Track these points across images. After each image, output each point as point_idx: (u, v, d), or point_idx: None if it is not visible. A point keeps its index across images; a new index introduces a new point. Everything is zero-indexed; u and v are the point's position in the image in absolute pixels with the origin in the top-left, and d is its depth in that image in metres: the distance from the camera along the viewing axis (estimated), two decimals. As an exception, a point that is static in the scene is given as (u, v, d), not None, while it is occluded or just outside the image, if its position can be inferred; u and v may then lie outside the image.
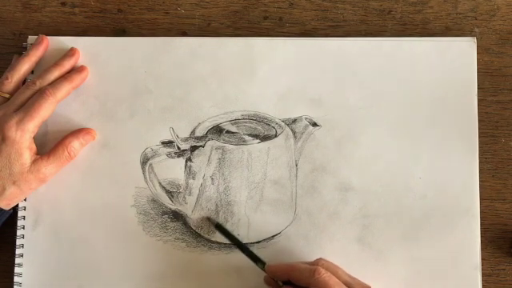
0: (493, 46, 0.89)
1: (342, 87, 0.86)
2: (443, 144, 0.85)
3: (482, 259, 0.84)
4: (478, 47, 0.87)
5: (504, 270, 0.86)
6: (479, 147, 0.85)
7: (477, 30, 0.89)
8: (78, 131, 0.85)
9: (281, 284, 0.79)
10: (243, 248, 0.83)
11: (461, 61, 0.86)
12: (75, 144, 0.84)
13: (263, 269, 0.81)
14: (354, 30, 0.89)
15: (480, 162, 0.85)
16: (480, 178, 0.85)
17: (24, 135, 0.80)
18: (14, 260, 0.84)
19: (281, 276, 0.79)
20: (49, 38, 0.87)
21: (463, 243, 0.84)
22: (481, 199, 0.84)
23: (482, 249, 0.84)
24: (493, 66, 0.88)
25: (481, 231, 0.84)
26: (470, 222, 0.84)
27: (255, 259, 0.82)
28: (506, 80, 0.88)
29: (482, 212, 0.84)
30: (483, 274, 0.84)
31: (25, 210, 0.85)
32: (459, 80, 0.86)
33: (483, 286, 0.83)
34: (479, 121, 0.86)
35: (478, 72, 0.86)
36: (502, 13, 0.89)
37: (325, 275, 0.75)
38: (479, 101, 0.86)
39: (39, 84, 0.83)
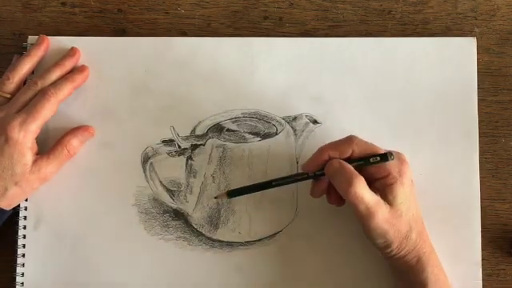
0: (493, 46, 0.89)
1: (341, 85, 0.86)
2: (444, 142, 0.85)
3: (482, 259, 0.84)
4: (478, 47, 0.87)
5: (504, 270, 0.86)
6: (479, 147, 0.85)
7: (477, 29, 0.89)
8: (76, 129, 0.85)
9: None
10: (277, 184, 0.80)
11: (461, 61, 0.87)
12: (74, 142, 0.84)
13: (303, 175, 0.79)
14: (354, 30, 0.89)
15: (480, 162, 0.85)
16: (480, 178, 0.85)
17: (27, 136, 0.80)
18: (15, 260, 0.84)
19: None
20: (49, 37, 0.87)
21: (464, 239, 0.84)
22: (481, 199, 0.85)
23: (482, 249, 0.84)
24: (493, 65, 0.88)
25: (481, 231, 0.84)
26: (471, 219, 0.84)
27: (292, 180, 0.80)
28: (506, 80, 0.88)
29: (482, 212, 0.84)
30: (483, 274, 0.84)
31: (26, 210, 0.85)
32: (459, 80, 0.86)
33: (483, 286, 0.84)
34: (479, 121, 0.86)
35: (478, 72, 0.86)
36: (502, 13, 0.89)
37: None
38: (479, 101, 0.86)
39: (40, 84, 0.83)
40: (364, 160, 0.76)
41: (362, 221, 0.75)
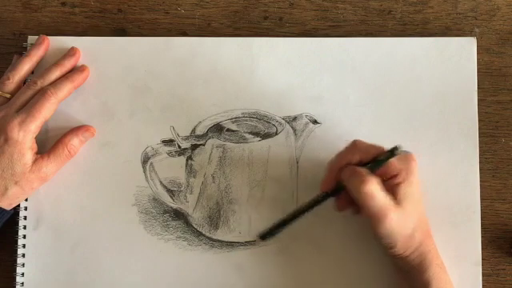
0: (493, 46, 0.89)
1: (342, 84, 0.86)
2: (444, 142, 0.85)
3: (482, 259, 0.84)
4: (478, 47, 0.87)
5: (504, 269, 0.86)
6: (479, 147, 0.85)
7: (477, 29, 0.89)
8: (76, 129, 0.85)
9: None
10: (302, 211, 0.80)
11: (461, 61, 0.86)
12: (75, 142, 0.84)
13: (323, 195, 0.79)
14: (354, 30, 0.89)
15: (480, 162, 0.85)
16: (480, 178, 0.85)
17: (27, 136, 0.80)
18: (16, 260, 0.84)
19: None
20: (49, 37, 0.87)
21: (464, 239, 0.84)
22: (481, 199, 0.84)
23: (482, 249, 0.84)
24: (493, 66, 0.88)
25: (481, 231, 0.84)
26: (471, 219, 0.84)
27: (315, 203, 0.80)
28: (506, 80, 0.88)
29: (482, 212, 0.84)
30: (483, 274, 0.83)
31: (26, 210, 0.85)
32: (459, 80, 0.86)
33: (483, 286, 0.83)
34: (479, 121, 0.86)
35: (478, 72, 0.86)
36: (502, 13, 0.89)
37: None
38: (479, 101, 0.86)
39: (40, 84, 0.83)
40: (373, 160, 0.76)
41: (372, 220, 0.74)
